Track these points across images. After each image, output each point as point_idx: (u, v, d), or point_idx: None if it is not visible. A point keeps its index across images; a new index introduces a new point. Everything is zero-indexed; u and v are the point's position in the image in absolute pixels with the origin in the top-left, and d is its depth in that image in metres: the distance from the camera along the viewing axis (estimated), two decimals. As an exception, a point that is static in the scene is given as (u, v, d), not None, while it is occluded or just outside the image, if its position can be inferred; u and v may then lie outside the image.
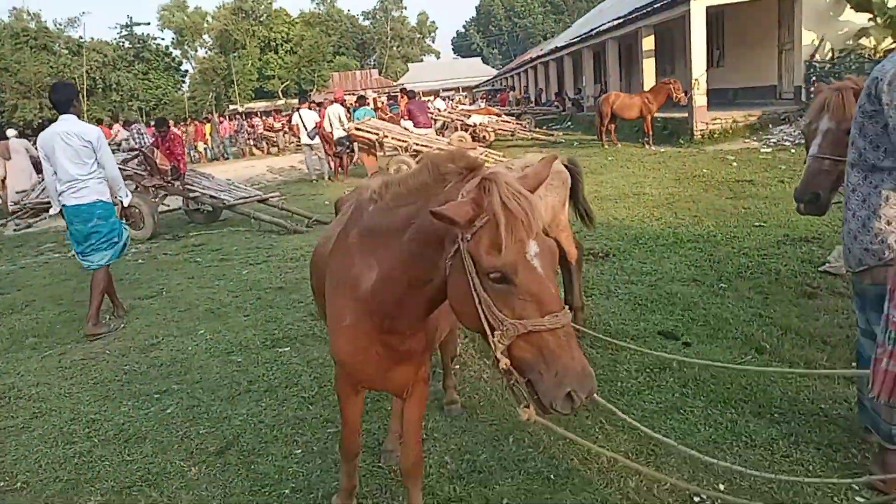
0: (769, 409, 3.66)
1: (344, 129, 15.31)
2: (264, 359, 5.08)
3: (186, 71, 69.51)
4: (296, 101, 44.72)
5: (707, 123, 16.76)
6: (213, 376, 4.84)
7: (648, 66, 20.94)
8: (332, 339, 2.50)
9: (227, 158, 29.46)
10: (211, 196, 10.66)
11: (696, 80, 16.64)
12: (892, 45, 16.12)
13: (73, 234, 6.01)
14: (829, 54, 17.09)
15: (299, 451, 3.70)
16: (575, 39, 28.58)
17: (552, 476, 3.24)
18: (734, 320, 4.93)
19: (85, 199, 5.83)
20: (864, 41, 16.49)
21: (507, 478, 3.25)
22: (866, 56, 16.09)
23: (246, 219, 11.06)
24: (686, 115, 17.23)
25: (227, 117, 35.70)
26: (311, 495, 3.27)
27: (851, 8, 16.42)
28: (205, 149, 30.15)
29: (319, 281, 2.68)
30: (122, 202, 6.48)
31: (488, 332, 1.78)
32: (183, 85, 67.45)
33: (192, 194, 10.50)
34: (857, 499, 2.87)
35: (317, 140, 15.93)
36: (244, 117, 34.88)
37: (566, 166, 4.91)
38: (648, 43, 20.77)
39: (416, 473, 2.84)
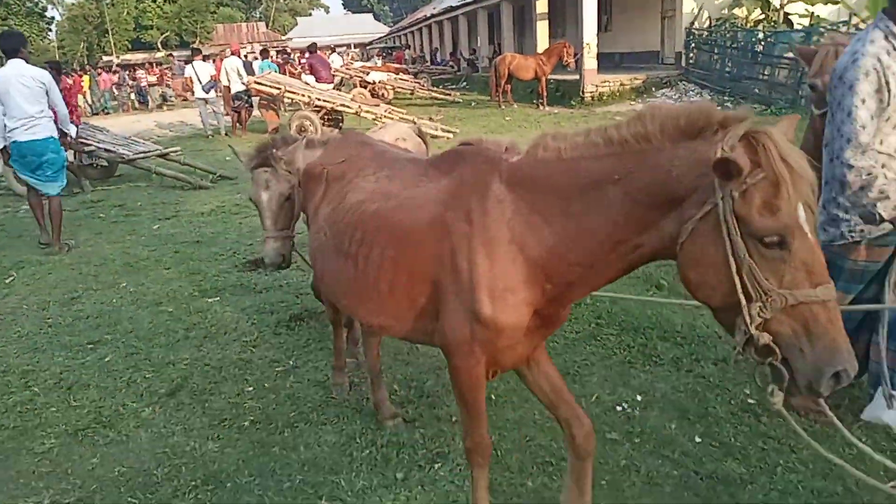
0: (672, 334, 4.21)
1: (242, 83, 14.88)
2: (196, 308, 5.14)
3: (52, 18, 63.73)
4: (177, 53, 42.38)
5: (597, 86, 17.63)
6: (146, 326, 4.86)
7: (542, 29, 21.55)
8: (479, 312, 2.08)
9: (108, 113, 27.68)
10: (107, 150, 10.18)
11: (588, 44, 17.39)
12: (761, 17, 17.54)
13: (24, 166, 6.66)
14: (707, 23, 18.30)
15: (251, 388, 3.87)
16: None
17: (492, 395, 3.62)
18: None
19: (39, 135, 6.55)
20: (737, 11, 17.80)
21: (452, 400, 3.60)
22: (739, 25, 17.39)
23: (145, 174, 10.68)
24: (577, 77, 18.00)
25: (106, 69, 33.33)
26: (270, 426, 3.48)
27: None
28: (84, 102, 28.12)
29: (419, 255, 2.25)
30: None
31: (743, 303, 1.60)
32: (49, 33, 61.89)
33: (87, 148, 9.98)
34: (749, 401, 3.44)
35: (212, 94, 15.39)
36: (125, 70, 32.71)
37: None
38: (542, 6, 21.34)
39: (592, 445, 2.41)
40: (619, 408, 3.47)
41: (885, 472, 2.56)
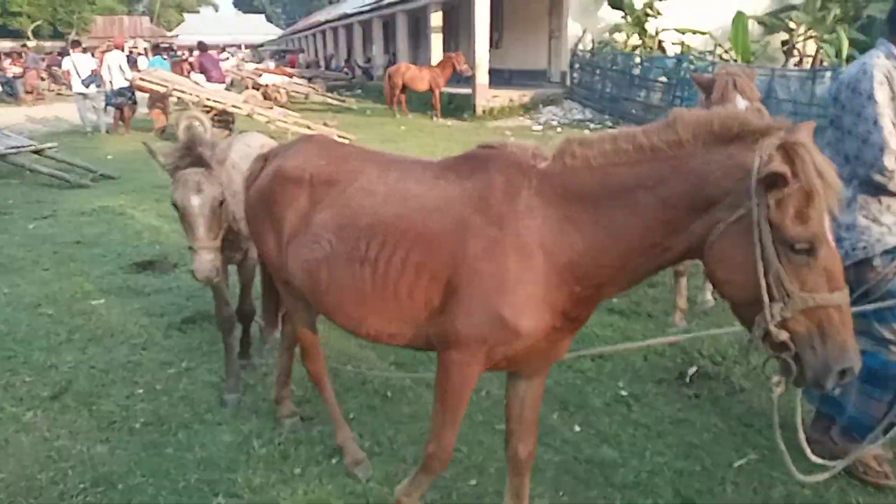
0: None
1: (126, 79, 14.21)
2: (79, 311, 4.94)
3: None
4: (49, 44, 39.52)
5: (488, 100, 18.19)
6: (24, 328, 4.62)
7: (436, 41, 21.98)
8: (502, 317, 2.10)
9: (-32, 104, 25.41)
10: (-29, 144, 9.46)
11: (480, 58, 17.93)
12: (639, 42, 18.79)
13: None
14: (591, 45, 19.38)
15: (142, 390, 3.80)
16: (365, 8, 28.87)
17: (388, 394, 3.76)
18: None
19: None
20: (617, 36, 18.98)
21: (351, 398, 3.71)
22: (618, 49, 18.54)
23: (16, 170, 10.00)
24: (470, 91, 18.50)
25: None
26: (163, 427, 3.45)
27: (609, 5, 18.78)
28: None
29: (440, 257, 2.23)
30: None
31: (766, 302, 1.72)
32: None
33: (-51, 141, 9.24)
34: (622, 392, 3.77)
35: (92, 89, 14.58)
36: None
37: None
38: (437, 19, 21.79)
39: (530, 464, 2.60)
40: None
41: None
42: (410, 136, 14.78)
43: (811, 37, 18.56)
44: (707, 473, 3.10)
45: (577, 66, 19.42)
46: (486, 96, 18.20)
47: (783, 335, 1.73)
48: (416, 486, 2.59)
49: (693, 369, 4.01)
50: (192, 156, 3.05)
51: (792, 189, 1.66)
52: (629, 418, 3.53)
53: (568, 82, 19.60)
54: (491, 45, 19.21)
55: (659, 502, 2.90)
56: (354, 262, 2.41)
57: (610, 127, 15.77)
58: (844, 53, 15.55)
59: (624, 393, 3.76)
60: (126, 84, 14.25)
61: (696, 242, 1.86)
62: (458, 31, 25.58)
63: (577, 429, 3.43)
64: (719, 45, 17.47)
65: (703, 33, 17.97)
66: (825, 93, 12.03)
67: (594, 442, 3.32)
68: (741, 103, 3.79)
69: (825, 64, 16.87)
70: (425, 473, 2.54)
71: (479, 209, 2.17)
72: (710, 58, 16.26)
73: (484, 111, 18.04)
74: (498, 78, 21.06)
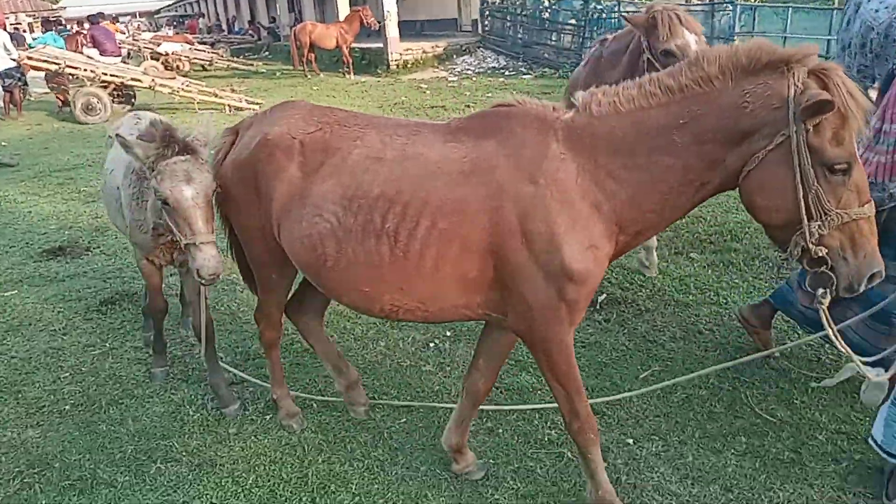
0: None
1: (12, 59, 13.36)
2: (-10, 302, 4.81)
3: None
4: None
5: (401, 54, 18.04)
6: (-69, 324, 4.48)
7: (342, -3, 21.47)
8: (570, 269, 2.06)
9: None
10: None
11: (389, 11, 17.67)
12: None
13: None
14: (499, -9, 19.38)
15: (67, 374, 3.79)
16: (264, -35, 27.81)
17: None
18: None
19: None
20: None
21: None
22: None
23: None
24: (381, 45, 18.28)
25: None
26: (93, 406, 3.46)
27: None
28: None
29: (482, 225, 2.14)
30: None
31: (805, 222, 1.83)
32: None
33: None
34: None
35: (-24, 71, 13.63)
36: None
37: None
38: (341, -27, 21.23)
39: (485, 397, 2.78)
40: (431, 344, 3.89)
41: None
42: (324, 95, 14.55)
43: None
44: (616, 388, 3.38)
45: (487, 13, 19.42)
46: (399, 50, 18.04)
47: (822, 251, 1.85)
48: (596, 468, 2.42)
49: (602, 296, 4.28)
50: (177, 143, 2.66)
51: (829, 113, 1.75)
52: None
53: (480, 30, 19.61)
54: (398, -2, 18.94)
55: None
56: (369, 236, 2.26)
57: (525, 73, 15.96)
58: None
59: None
60: (13, 64, 13.40)
61: (731, 174, 1.94)
62: (363, -16, 25.02)
63: (498, 362, 3.65)
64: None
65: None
66: (725, 24, 12.57)
67: (513, 371, 3.55)
68: (691, 38, 3.63)
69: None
70: (589, 449, 2.38)
71: (511, 168, 2.11)
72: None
73: (398, 65, 17.90)
74: (409, 30, 20.87)
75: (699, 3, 16.60)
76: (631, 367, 3.54)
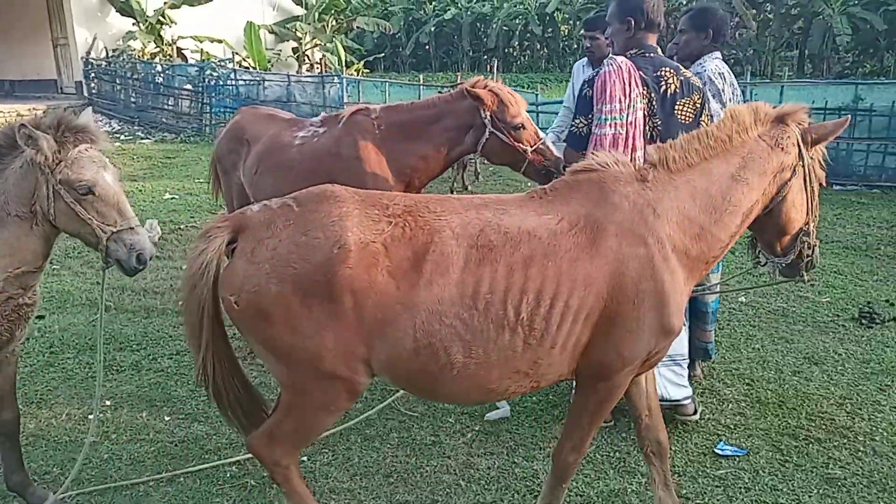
0: (128, 343, 4.61)
1: None
2: None
3: None
4: None
5: (-10, 116, 15.80)
6: None
7: None
8: (670, 325, 2.29)
9: None
10: None
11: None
12: (157, 49, 18.54)
13: None
14: (104, 52, 18.32)
15: None
16: None
17: None
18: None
19: None
20: (132, 43, 18.33)
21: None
22: (136, 57, 17.96)
23: None
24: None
25: None
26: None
27: (118, 11, 18.00)
28: None
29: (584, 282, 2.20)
30: None
31: (812, 224, 2.49)
32: None
33: None
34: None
35: None
36: None
37: None
38: None
39: (668, 446, 2.73)
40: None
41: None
42: None
43: (316, 45, 20.99)
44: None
45: (92, 75, 18.17)
46: (-14, 112, 15.75)
47: (814, 239, 2.52)
48: (557, 496, 2.62)
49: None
50: (79, 130, 2.51)
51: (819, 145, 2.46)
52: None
53: (85, 92, 18.22)
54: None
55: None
56: (503, 333, 2.15)
57: (143, 138, 15.35)
58: (344, 59, 18.10)
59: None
60: None
61: (769, 200, 2.44)
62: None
63: (167, 418, 3.71)
64: (237, 53, 18.45)
65: (219, 41, 18.70)
66: (335, 94, 14.01)
67: (185, 424, 3.65)
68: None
69: (330, 70, 19.36)
70: (566, 481, 2.60)
71: (623, 233, 2.22)
72: (231, 65, 17.07)
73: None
74: (-4, 90, 18.38)
75: (309, 75, 18.16)
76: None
